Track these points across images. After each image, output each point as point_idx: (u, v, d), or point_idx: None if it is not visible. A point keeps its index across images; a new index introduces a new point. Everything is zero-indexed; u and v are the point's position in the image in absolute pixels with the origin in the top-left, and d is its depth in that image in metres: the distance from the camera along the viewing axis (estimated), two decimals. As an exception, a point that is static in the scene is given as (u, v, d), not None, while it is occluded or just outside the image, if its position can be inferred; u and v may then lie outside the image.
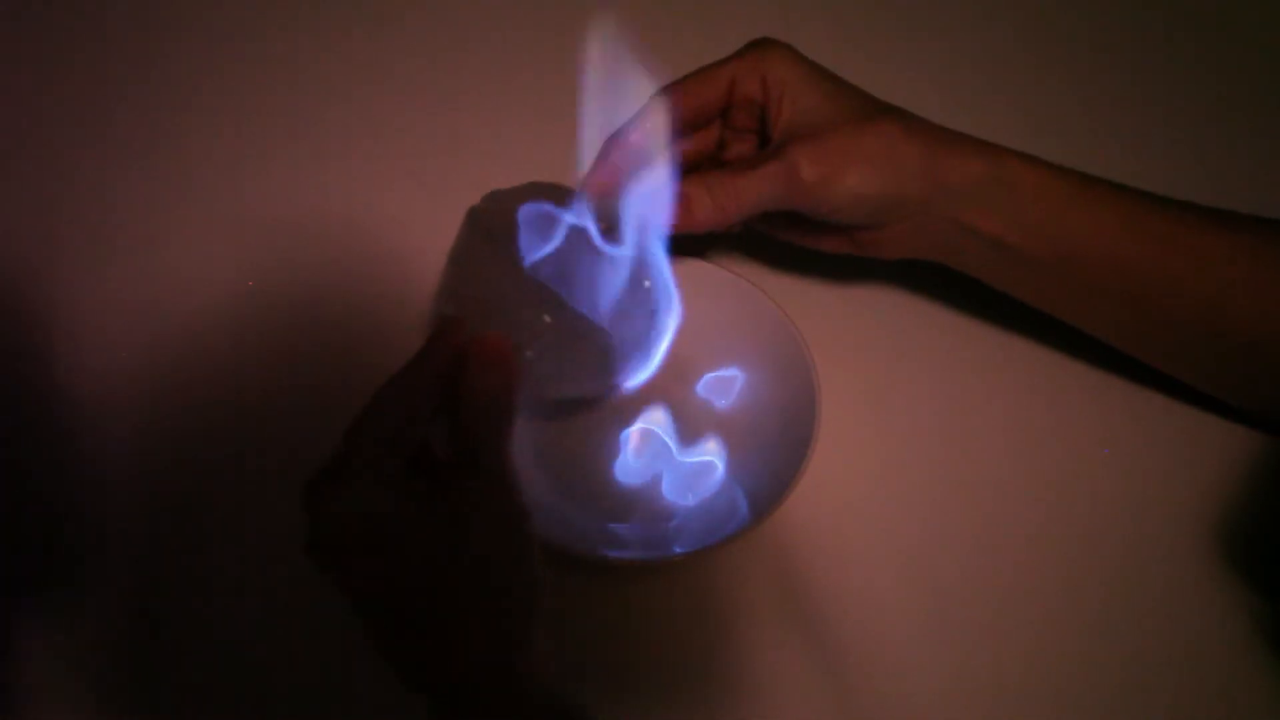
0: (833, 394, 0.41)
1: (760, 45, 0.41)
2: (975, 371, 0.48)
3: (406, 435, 0.33)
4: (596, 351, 0.38)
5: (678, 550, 0.41)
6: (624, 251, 0.38)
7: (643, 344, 0.38)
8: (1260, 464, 0.45)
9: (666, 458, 0.45)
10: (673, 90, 0.41)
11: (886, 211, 0.40)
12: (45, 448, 0.45)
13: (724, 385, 0.46)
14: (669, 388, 0.46)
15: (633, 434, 0.45)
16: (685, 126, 0.42)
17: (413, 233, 0.51)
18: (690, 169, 0.43)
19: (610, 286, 0.38)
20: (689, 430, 0.45)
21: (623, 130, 0.40)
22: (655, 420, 0.46)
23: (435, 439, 0.35)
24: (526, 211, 0.37)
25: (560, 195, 0.38)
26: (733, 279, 0.44)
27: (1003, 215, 0.40)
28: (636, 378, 0.39)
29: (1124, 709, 0.40)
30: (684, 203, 0.39)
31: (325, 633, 0.41)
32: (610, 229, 0.38)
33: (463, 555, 0.32)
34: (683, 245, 0.39)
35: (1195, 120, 0.56)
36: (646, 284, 0.38)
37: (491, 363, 0.34)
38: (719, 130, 0.44)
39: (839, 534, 0.43)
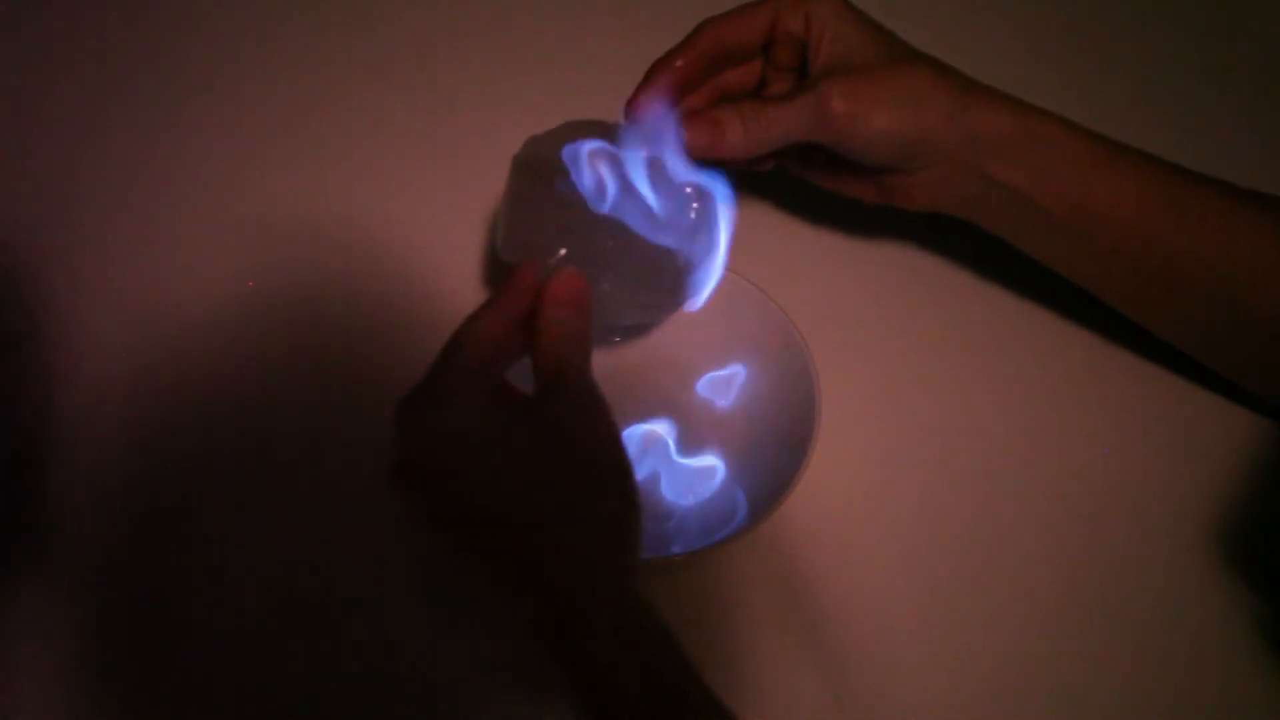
0: (833, 393, 0.41)
1: None
2: (976, 372, 0.48)
3: (492, 367, 0.35)
4: (661, 271, 0.39)
5: (677, 550, 0.41)
6: (671, 173, 0.39)
7: (701, 259, 0.39)
8: (1261, 464, 0.45)
9: (666, 457, 0.45)
10: (716, 21, 0.42)
11: (913, 155, 0.40)
12: (44, 447, 0.45)
13: (724, 385, 0.46)
14: (669, 387, 0.46)
15: (633, 434, 0.45)
16: (727, 58, 0.43)
17: (413, 232, 0.51)
18: (729, 100, 0.44)
19: (663, 207, 0.38)
20: (689, 430, 0.45)
21: (667, 56, 0.41)
22: (655, 420, 0.46)
23: (516, 380, 0.37)
24: (570, 149, 0.38)
25: (599, 129, 0.39)
26: (733, 278, 0.44)
27: (1028, 170, 0.40)
28: (702, 293, 0.40)
29: (1124, 709, 0.40)
30: (716, 126, 0.39)
31: (325, 632, 0.41)
32: (654, 153, 0.39)
33: (564, 461, 0.33)
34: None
35: (1194, 117, 0.56)
36: (696, 204, 0.39)
37: (567, 299, 0.35)
38: (760, 68, 0.44)
39: (839, 534, 0.43)
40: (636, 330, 0.47)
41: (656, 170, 0.38)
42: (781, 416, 0.43)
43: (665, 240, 0.38)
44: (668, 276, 0.39)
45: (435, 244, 0.51)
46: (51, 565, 0.43)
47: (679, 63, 0.41)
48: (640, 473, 0.45)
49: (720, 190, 0.39)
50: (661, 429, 0.45)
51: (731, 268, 0.44)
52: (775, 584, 0.42)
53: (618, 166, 0.38)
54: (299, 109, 0.56)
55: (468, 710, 0.40)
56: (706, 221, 0.39)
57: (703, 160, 0.39)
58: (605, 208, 0.38)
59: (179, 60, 0.58)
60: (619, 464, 0.34)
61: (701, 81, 0.43)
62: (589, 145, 0.38)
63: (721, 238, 0.39)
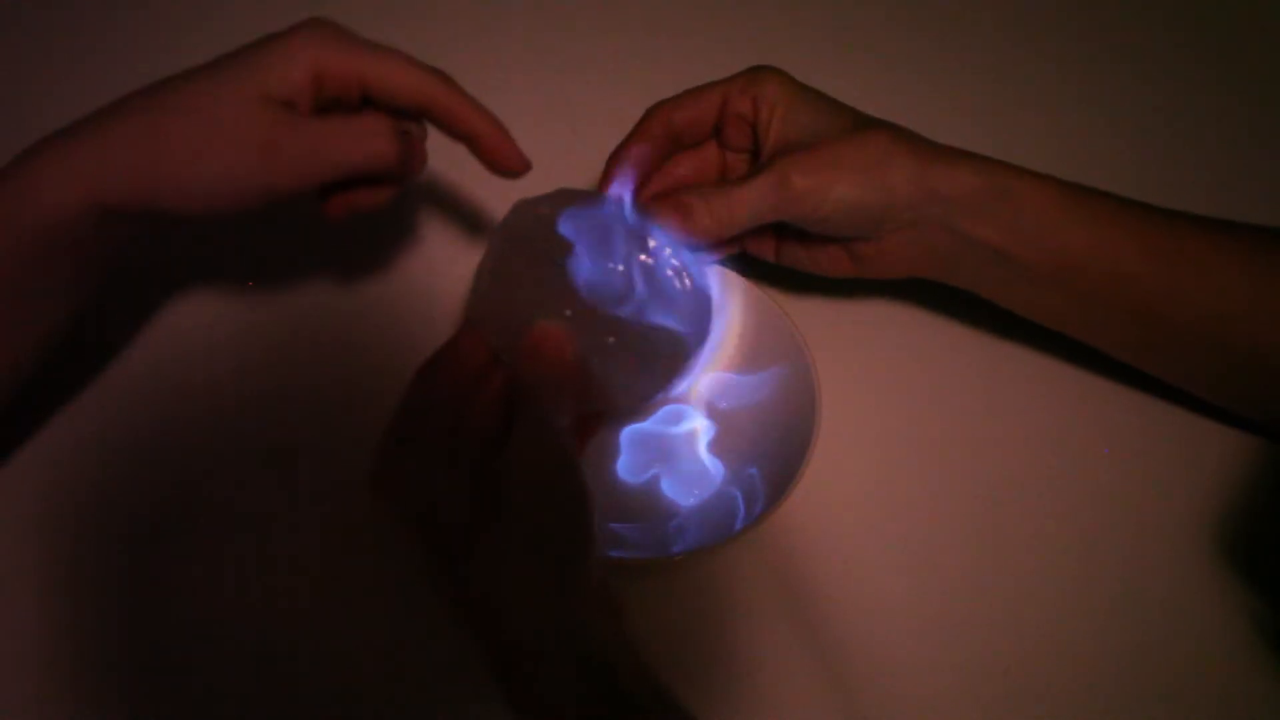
0: (833, 394, 0.41)
1: (754, 69, 0.42)
2: (975, 371, 0.48)
3: (449, 414, 0.34)
4: (643, 366, 0.37)
5: (678, 550, 0.41)
6: (664, 261, 0.38)
7: (687, 353, 0.38)
8: (1260, 465, 0.45)
9: (667, 457, 0.45)
10: (665, 105, 0.42)
11: (878, 221, 0.40)
12: (40, 446, 0.45)
13: (725, 385, 0.46)
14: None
15: (633, 434, 0.45)
16: (678, 141, 0.43)
17: (414, 232, 0.51)
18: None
19: (656, 298, 0.38)
20: (690, 430, 0.45)
21: (622, 145, 0.41)
22: (656, 420, 0.46)
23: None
24: (567, 224, 0.37)
25: (593, 200, 0.38)
26: (735, 280, 0.44)
27: (1000, 224, 0.40)
28: (680, 384, 0.39)
29: (1124, 709, 0.40)
30: (683, 212, 0.39)
31: (326, 633, 0.41)
32: (643, 235, 0.38)
33: (506, 503, 0.33)
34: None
35: (1196, 123, 0.56)
36: (689, 295, 0.38)
37: (547, 356, 0.35)
38: (719, 155, 0.44)
39: (839, 534, 0.43)
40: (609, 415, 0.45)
41: (649, 257, 0.38)
42: (782, 417, 0.43)
43: (654, 335, 0.37)
44: (649, 371, 0.38)
45: (435, 243, 0.51)
46: (51, 564, 0.43)
47: (634, 150, 0.41)
48: (641, 473, 0.45)
49: (715, 280, 0.38)
50: (663, 429, 0.45)
51: (732, 270, 0.44)
52: (775, 584, 0.42)
53: (614, 250, 0.37)
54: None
55: (473, 709, 0.40)
56: (698, 314, 0.38)
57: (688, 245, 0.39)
58: (594, 296, 0.36)
59: (180, 59, 0.58)
60: (571, 486, 0.34)
61: (659, 164, 0.42)
62: (584, 220, 0.37)
63: (712, 332, 0.38)
